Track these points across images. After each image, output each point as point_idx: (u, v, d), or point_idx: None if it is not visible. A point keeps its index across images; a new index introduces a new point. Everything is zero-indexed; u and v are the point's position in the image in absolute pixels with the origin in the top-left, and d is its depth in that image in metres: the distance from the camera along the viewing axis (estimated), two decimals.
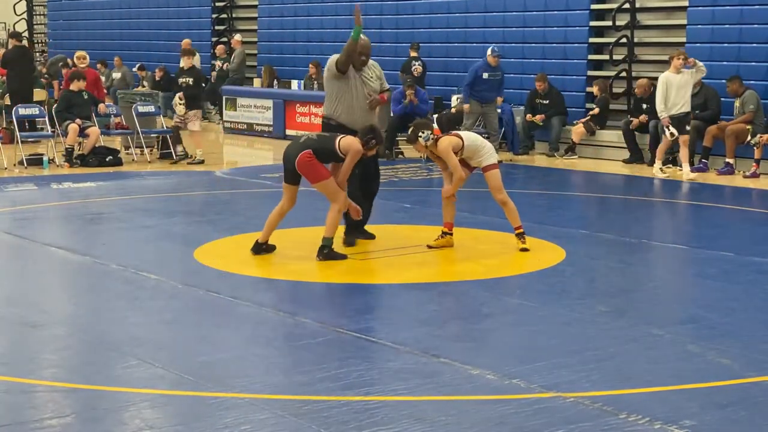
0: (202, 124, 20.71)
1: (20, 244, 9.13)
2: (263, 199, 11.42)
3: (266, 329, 6.53)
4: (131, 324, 6.55)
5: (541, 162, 15.56)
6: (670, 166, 14.38)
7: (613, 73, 16.18)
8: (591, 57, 16.72)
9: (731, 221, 10.99)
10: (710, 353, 5.90)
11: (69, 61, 21.55)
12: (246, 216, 10.49)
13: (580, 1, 16.75)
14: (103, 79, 21.88)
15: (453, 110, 16.75)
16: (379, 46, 19.62)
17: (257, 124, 19.07)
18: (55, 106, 15.41)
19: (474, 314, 6.80)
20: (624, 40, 16.04)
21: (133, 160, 15.23)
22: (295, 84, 19.19)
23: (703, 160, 14.10)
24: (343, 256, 8.31)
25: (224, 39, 22.65)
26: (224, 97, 19.76)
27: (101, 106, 15.21)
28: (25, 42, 20.94)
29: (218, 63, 21.46)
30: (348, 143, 8.21)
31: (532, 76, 16.37)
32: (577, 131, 15.74)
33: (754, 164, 13.50)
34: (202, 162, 14.80)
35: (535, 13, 17.29)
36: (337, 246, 8.42)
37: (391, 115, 15.87)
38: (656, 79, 15.44)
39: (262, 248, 8.43)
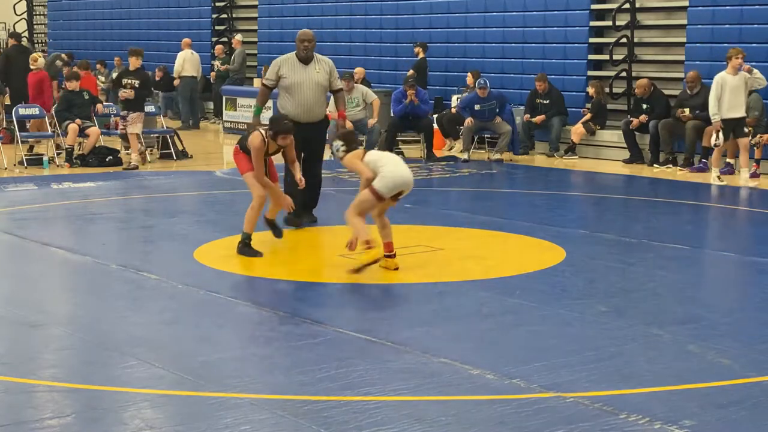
0: (203, 124, 20.79)
1: (20, 244, 9.13)
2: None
3: (266, 329, 6.53)
4: (131, 324, 6.54)
5: (541, 162, 15.56)
6: (670, 166, 14.39)
7: (613, 73, 16.18)
8: (591, 57, 16.72)
9: (732, 221, 11.00)
10: (710, 353, 5.90)
11: (64, 56, 21.59)
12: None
13: (580, 1, 16.75)
14: (102, 78, 21.93)
15: (453, 110, 16.77)
16: (380, 46, 19.68)
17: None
18: (55, 106, 15.42)
19: (474, 314, 6.80)
20: (624, 40, 16.04)
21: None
22: None
23: (702, 160, 14.09)
24: (258, 253, 8.25)
25: (224, 39, 22.66)
26: (224, 97, 19.76)
27: (99, 106, 15.20)
28: (24, 42, 20.96)
29: (217, 63, 21.46)
30: (251, 140, 8.39)
31: (532, 76, 16.38)
32: (577, 131, 15.74)
33: (755, 164, 13.50)
34: (136, 168, 14.10)
35: (535, 13, 17.29)
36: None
37: (392, 115, 15.88)
38: (656, 79, 15.49)
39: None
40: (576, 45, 16.76)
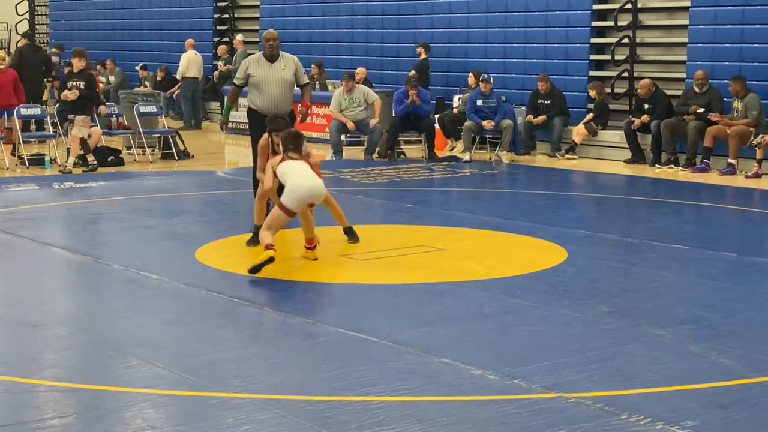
0: (205, 124, 20.79)
1: (22, 244, 9.13)
2: None
3: (267, 329, 6.53)
4: (132, 324, 6.54)
5: (542, 162, 15.56)
6: (672, 166, 14.38)
7: (615, 74, 16.18)
8: (593, 57, 16.71)
9: (733, 221, 10.99)
10: (712, 354, 5.90)
11: (54, 49, 21.56)
12: (248, 216, 10.47)
13: (581, 1, 16.75)
14: (103, 79, 21.95)
15: (455, 111, 16.77)
16: (381, 46, 19.68)
17: None
18: (57, 105, 15.42)
19: (475, 314, 6.79)
20: (626, 40, 16.03)
21: (134, 160, 15.24)
22: None
23: (704, 161, 14.09)
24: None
25: (226, 39, 22.66)
26: (226, 97, 19.71)
27: (102, 107, 15.18)
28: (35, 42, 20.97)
29: (220, 63, 21.48)
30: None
31: (534, 76, 16.37)
32: (578, 132, 15.74)
33: (756, 165, 13.49)
34: (70, 172, 13.59)
35: (536, 13, 17.29)
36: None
37: (393, 115, 15.87)
38: (658, 79, 15.48)
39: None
40: (578, 45, 16.76)
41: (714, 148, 14.09)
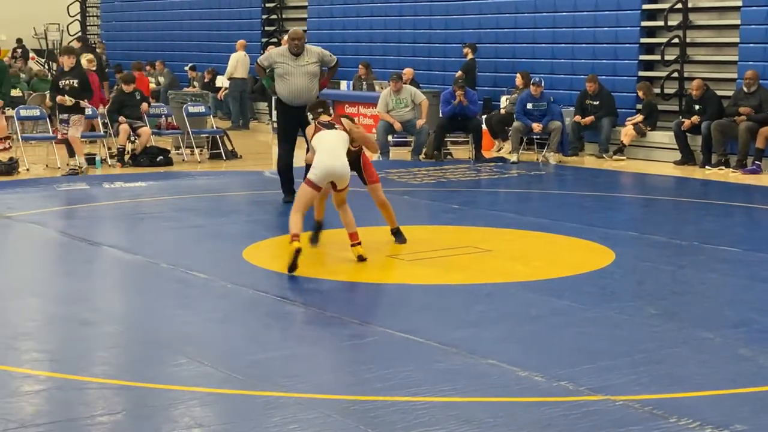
0: (253, 124, 20.91)
1: (73, 243, 9.24)
2: None
3: (314, 329, 6.55)
4: (181, 322, 6.60)
5: (590, 163, 15.46)
6: (722, 168, 14.21)
7: (664, 74, 16.03)
8: (642, 57, 16.57)
9: None
10: (762, 357, 5.82)
11: (99, 50, 21.74)
12: None
13: (631, 1, 16.61)
14: (152, 80, 22.18)
15: (502, 111, 16.71)
16: (429, 47, 19.66)
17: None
18: (107, 106, 15.60)
19: (522, 316, 6.77)
20: (676, 40, 15.88)
21: (183, 160, 15.36)
22: (344, 84, 19.23)
23: (756, 162, 13.92)
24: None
25: (274, 39, 22.76)
26: (274, 98, 19.81)
27: (144, 105, 15.25)
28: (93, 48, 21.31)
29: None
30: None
31: (582, 76, 16.27)
32: (627, 132, 15.62)
33: None
34: (77, 173, 13.43)
35: (585, 13, 17.18)
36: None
37: (440, 116, 15.86)
38: (708, 80, 15.30)
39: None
40: (627, 45, 16.62)
41: (766, 149, 13.91)
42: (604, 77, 16.20)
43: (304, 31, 22.27)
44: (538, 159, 15.41)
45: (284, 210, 11.16)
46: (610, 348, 5.99)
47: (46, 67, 26.77)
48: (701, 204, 11.99)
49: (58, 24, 29.87)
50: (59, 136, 13.90)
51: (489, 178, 13.76)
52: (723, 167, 14.26)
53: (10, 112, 15.54)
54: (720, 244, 9.05)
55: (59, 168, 14.13)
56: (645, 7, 16.57)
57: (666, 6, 16.08)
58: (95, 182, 12.98)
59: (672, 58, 15.88)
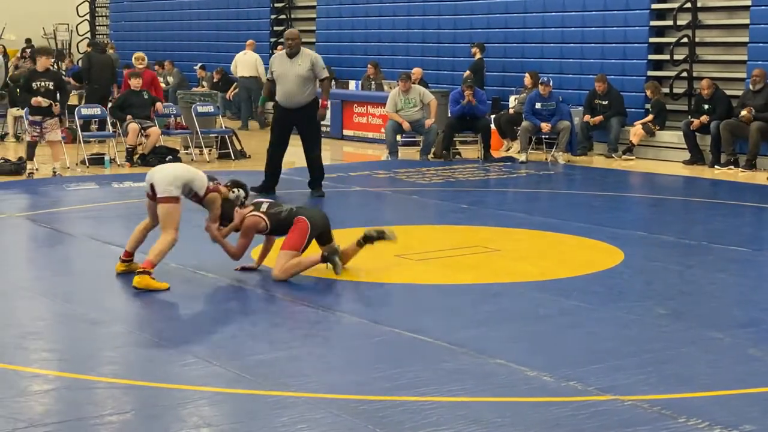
0: (253, 123, 20.90)
1: (81, 242, 9.26)
2: (318, 198, 11.46)
3: (322, 328, 6.55)
4: (189, 322, 6.61)
5: (599, 163, 15.44)
6: (731, 167, 14.18)
7: (673, 74, 16.00)
8: (651, 57, 16.55)
9: None
10: None
11: (110, 50, 21.76)
12: None
13: (640, 1, 16.59)
14: (162, 79, 22.19)
15: (511, 111, 16.70)
16: (437, 47, 19.66)
17: None
18: (112, 104, 15.64)
19: (530, 315, 6.76)
20: (685, 39, 15.85)
21: (192, 159, 15.37)
22: (353, 84, 19.24)
23: None
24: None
25: (282, 40, 22.75)
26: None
27: (158, 105, 15.31)
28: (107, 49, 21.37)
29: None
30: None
31: (591, 76, 16.25)
32: (636, 132, 15.60)
33: None
34: (57, 174, 13.20)
35: (594, 12, 17.16)
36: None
37: (449, 115, 15.85)
38: (717, 79, 15.27)
39: None
40: (636, 45, 16.60)
41: None
42: (613, 77, 16.18)
43: (312, 31, 22.38)
44: (546, 159, 15.40)
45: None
46: (618, 348, 5.98)
47: (55, 67, 26.81)
48: (710, 204, 11.96)
49: (67, 24, 29.94)
50: (29, 138, 13.29)
51: (498, 178, 13.75)
52: (732, 167, 14.23)
53: (19, 112, 15.56)
54: (729, 244, 9.03)
55: (68, 168, 14.16)
56: (654, 6, 16.54)
57: (675, 5, 16.05)
58: (104, 182, 13.00)
59: (681, 57, 15.85)
